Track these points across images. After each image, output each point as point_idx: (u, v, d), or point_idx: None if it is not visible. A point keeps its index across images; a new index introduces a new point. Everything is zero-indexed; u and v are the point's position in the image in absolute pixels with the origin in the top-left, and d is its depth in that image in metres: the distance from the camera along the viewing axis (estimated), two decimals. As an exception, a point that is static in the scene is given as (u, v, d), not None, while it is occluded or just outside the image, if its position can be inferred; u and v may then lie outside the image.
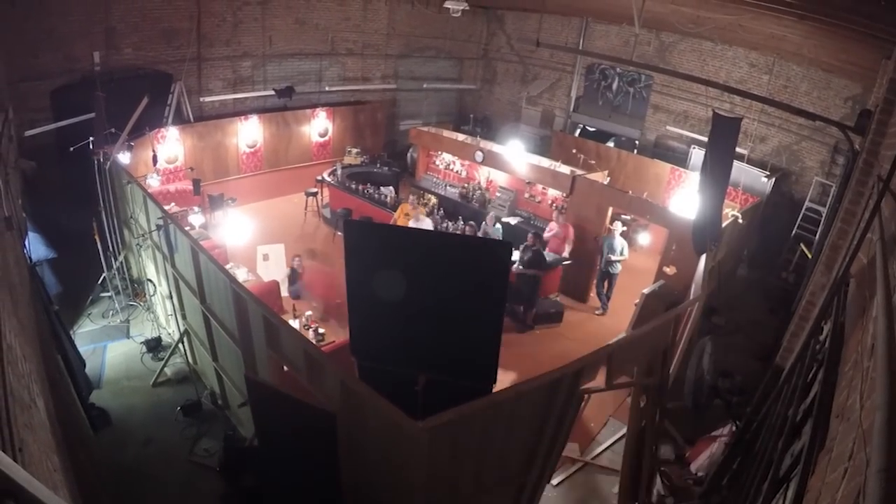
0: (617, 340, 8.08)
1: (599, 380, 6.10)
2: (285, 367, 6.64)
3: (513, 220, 14.21)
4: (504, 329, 5.63)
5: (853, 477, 2.28)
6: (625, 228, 12.91)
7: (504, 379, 9.40)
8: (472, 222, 13.85)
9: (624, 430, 8.59)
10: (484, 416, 4.96)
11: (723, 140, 8.60)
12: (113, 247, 11.70)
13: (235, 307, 6.96)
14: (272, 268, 12.01)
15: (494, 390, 5.63)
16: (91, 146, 11.04)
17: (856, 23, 7.61)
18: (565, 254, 12.78)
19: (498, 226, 13.33)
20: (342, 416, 5.11)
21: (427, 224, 12.99)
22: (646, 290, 10.60)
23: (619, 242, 12.20)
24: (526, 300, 11.92)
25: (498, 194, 16.11)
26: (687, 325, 8.99)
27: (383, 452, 5.09)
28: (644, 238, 14.87)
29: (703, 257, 9.17)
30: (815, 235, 13.43)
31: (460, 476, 5.28)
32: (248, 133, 16.90)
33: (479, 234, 13.07)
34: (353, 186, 15.80)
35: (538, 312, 12.15)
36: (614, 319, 12.32)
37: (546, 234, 12.77)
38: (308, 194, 16.41)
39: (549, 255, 12.62)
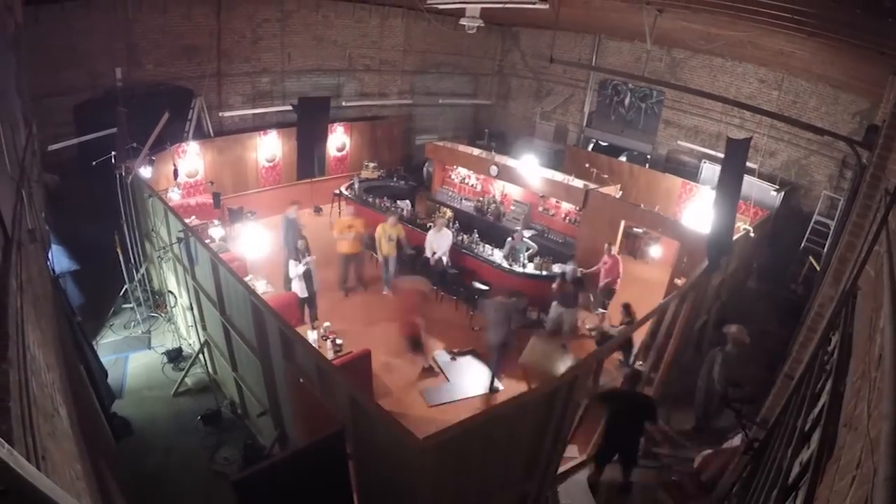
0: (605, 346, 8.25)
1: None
2: (301, 380, 6.75)
3: (527, 234, 14.28)
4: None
5: (861, 485, 2.29)
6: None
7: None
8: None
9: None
10: (486, 428, 5.05)
11: (734, 160, 8.71)
12: (134, 259, 11.87)
13: (254, 319, 7.07)
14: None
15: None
16: (113, 160, 11.22)
17: (863, 39, 7.66)
18: (617, 286, 12.65)
19: (526, 240, 13.39)
20: (351, 429, 5.22)
21: (447, 236, 13.07)
22: (661, 304, 10.68)
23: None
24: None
25: (512, 208, 16.20)
26: (677, 322, 9.12)
27: (390, 466, 5.16)
28: (655, 251, 14.90)
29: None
30: (824, 248, 13.40)
31: (465, 486, 5.35)
32: (268, 147, 17.11)
33: (506, 251, 13.21)
34: (371, 200, 15.93)
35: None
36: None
37: (597, 268, 12.65)
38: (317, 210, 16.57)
39: (560, 268, 12.69)
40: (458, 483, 5.26)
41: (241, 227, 13.60)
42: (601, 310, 12.53)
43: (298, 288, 11.22)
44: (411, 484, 4.92)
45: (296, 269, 11.06)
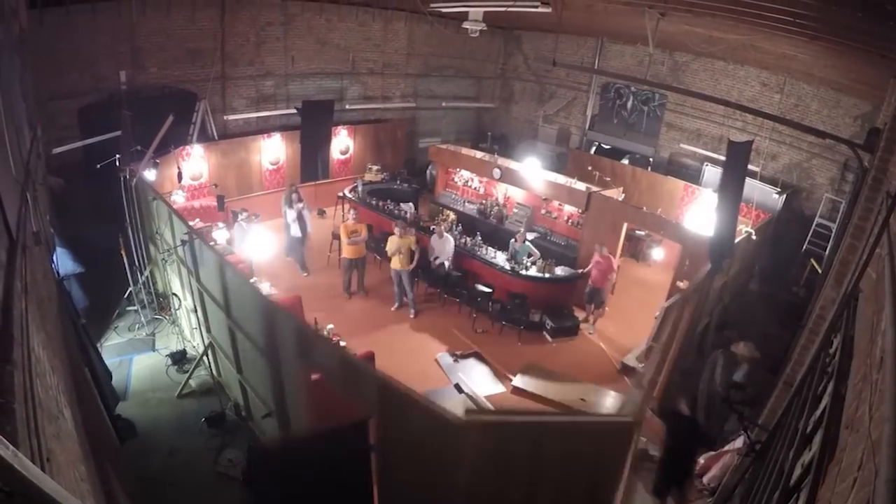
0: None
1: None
2: (313, 377, 6.76)
3: (530, 236, 14.30)
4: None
5: (862, 487, 2.30)
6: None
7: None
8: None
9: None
10: (531, 430, 4.94)
11: (736, 162, 8.74)
12: (139, 262, 11.90)
13: (265, 320, 7.07)
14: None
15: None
16: (117, 163, 11.25)
17: (865, 43, 7.70)
18: (609, 285, 12.82)
19: (527, 243, 13.45)
20: (381, 418, 5.15)
21: (449, 241, 13.07)
22: (665, 304, 10.74)
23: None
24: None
25: (515, 210, 16.23)
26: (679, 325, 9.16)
27: (424, 450, 4.98)
28: (658, 253, 14.93)
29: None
30: (825, 251, 13.41)
31: (508, 486, 5.22)
32: (271, 150, 17.19)
33: (509, 254, 13.23)
34: (374, 203, 15.98)
35: (556, 326, 12.27)
36: (622, 330, 12.59)
37: (590, 268, 12.64)
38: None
39: (564, 271, 12.77)
40: (498, 479, 4.91)
41: (246, 229, 13.63)
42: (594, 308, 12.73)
43: (294, 230, 13.69)
44: (446, 468, 4.74)
45: (291, 214, 13.53)
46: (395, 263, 12.48)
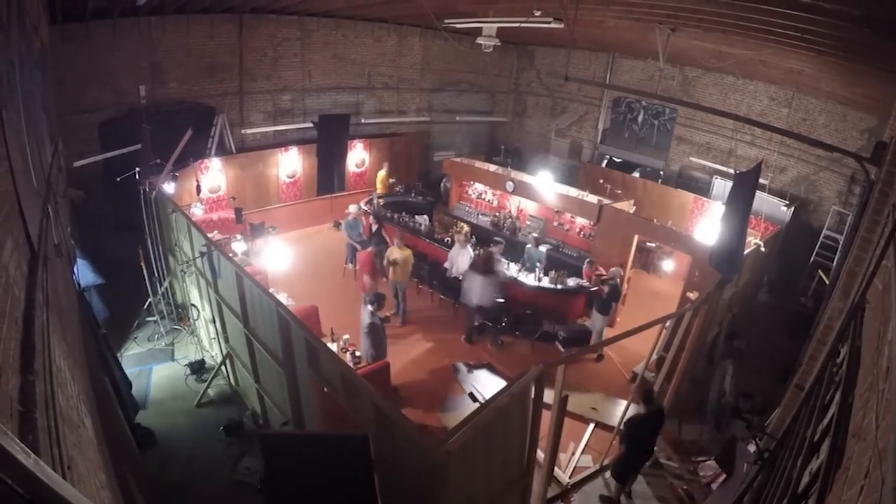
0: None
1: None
2: (325, 389, 6.87)
3: (543, 248, 14.38)
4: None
5: (869, 494, 2.30)
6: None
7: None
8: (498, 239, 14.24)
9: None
10: (491, 423, 5.20)
11: (744, 187, 8.71)
12: (158, 273, 12.05)
13: (280, 330, 7.20)
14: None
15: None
16: (137, 176, 11.42)
17: (872, 58, 7.79)
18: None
19: (542, 248, 13.53)
20: (375, 435, 5.29)
21: (465, 254, 13.09)
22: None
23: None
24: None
25: (528, 222, 16.33)
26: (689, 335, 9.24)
27: (411, 469, 5.23)
28: (668, 265, 15.00)
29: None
30: (833, 262, 13.39)
31: (475, 485, 5.46)
32: (288, 164, 17.36)
33: (524, 258, 13.38)
34: (389, 215, 16.13)
35: (568, 336, 12.32)
36: (633, 340, 12.49)
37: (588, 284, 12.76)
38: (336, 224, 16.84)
39: (576, 282, 12.86)
40: (469, 487, 5.33)
41: (263, 241, 13.77)
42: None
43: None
44: (433, 489, 4.94)
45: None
46: (397, 275, 12.57)
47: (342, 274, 14.84)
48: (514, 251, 14.14)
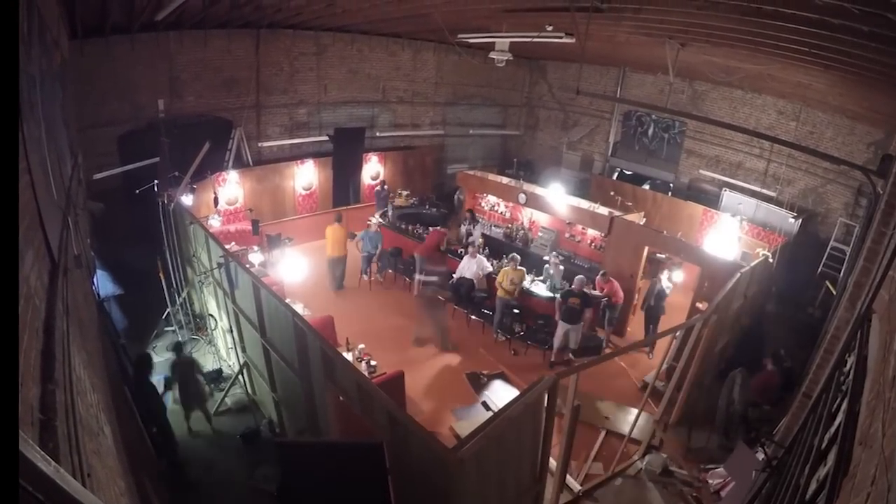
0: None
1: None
2: (341, 398, 6.97)
3: (554, 259, 14.44)
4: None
5: (875, 501, 2.33)
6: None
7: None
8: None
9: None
10: (500, 432, 5.26)
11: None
12: (176, 284, 12.19)
13: (297, 340, 7.30)
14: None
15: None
16: (156, 189, 11.61)
17: (878, 72, 7.86)
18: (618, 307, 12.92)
19: (562, 267, 13.67)
20: (390, 443, 5.41)
21: (471, 263, 13.32)
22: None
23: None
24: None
25: (540, 234, 16.39)
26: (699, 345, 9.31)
27: (425, 477, 5.30)
28: (678, 275, 15.05)
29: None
30: (840, 273, 13.36)
31: (488, 493, 5.54)
32: (304, 176, 17.59)
33: (545, 277, 13.55)
34: (403, 227, 16.30)
35: (581, 346, 12.34)
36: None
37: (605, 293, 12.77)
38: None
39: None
40: (482, 496, 5.40)
41: (280, 252, 13.90)
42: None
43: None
44: (447, 496, 5.00)
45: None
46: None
47: (357, 284, 14.98)
48: (526, 262, 14.21)
